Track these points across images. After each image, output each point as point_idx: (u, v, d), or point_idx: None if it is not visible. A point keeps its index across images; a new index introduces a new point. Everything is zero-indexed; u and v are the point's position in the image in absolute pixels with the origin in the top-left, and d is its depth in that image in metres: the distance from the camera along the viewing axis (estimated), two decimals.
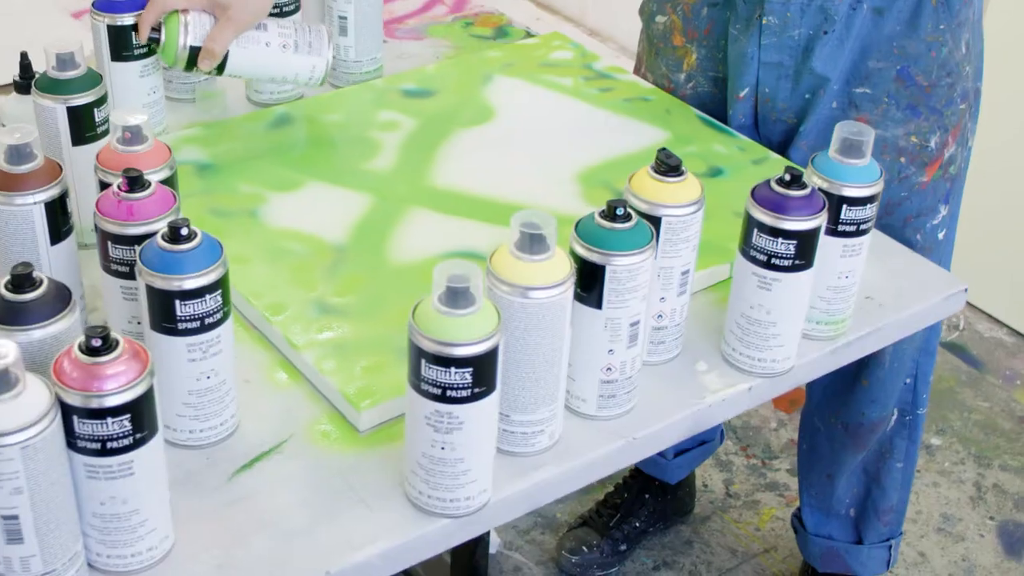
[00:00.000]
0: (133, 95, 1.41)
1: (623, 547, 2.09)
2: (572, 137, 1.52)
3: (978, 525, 2.24)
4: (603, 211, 1.05)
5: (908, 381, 1.75)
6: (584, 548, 2.07)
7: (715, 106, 1.60)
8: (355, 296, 1.22)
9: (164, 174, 1.12)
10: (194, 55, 1.39)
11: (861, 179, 1.18)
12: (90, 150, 1.24)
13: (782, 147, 1.56)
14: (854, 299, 1.25)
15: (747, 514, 2.22)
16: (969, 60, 1.51)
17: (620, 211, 1.05)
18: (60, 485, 0.87)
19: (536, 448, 1.08)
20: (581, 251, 1.04)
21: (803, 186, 1.12)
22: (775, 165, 1.49)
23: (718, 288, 1.30)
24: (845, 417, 1.78)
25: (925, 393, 1.80)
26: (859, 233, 1.20)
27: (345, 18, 1.58)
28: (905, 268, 1.37)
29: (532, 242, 0.99)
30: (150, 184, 1.05)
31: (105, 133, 1.26)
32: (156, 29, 1.39)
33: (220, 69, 1.41)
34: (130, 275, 1.05)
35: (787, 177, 1.12)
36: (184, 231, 0.98)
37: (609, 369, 1.10)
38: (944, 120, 1.51)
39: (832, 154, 1.19)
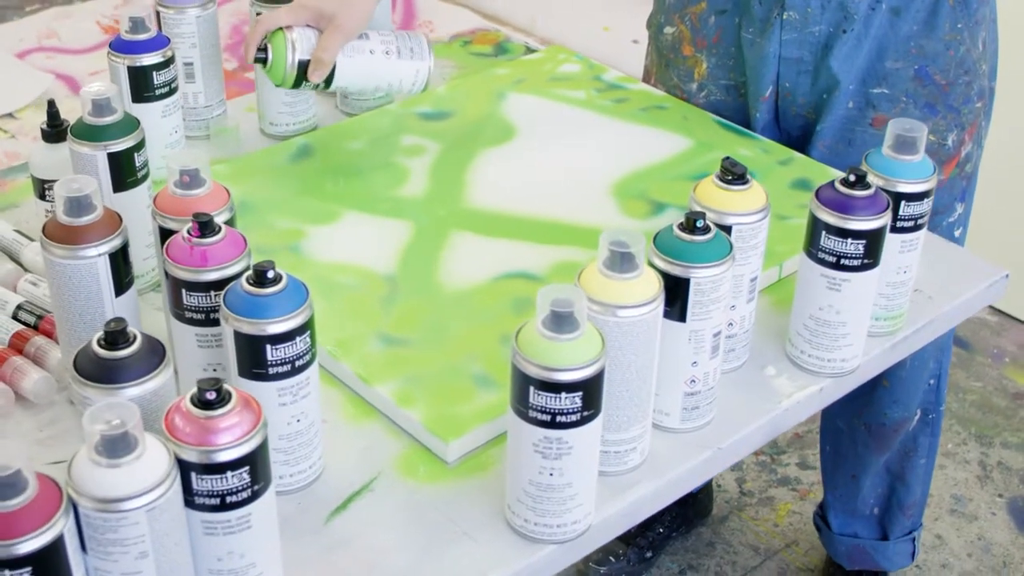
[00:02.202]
0: (156, 136, 1.39)
1: (648, 554, 2.08)
2: (597, 150, 1.52)
3: (988, 504, 2.27)
4: (682, 224, 1.05)
5: (932, 382, 1.77)
6: (611, 558, 2.06)
7: (729, 113, 1.60)
8: (417, 325, 1.20)
9: (226, 216, 1.09)
10: (302, 69, 1.39)
11: (917, 175, 1.18)
12: (131, 196, 1.22)
13: (801, 142, 1.57)
14: (910, 294, 1.25)
15: (763, 511, 2.23)
16: (985, 58, 1.53)
17: (700, 223, 1.04)
18: (181, 545, 0.85)
19: (629, 466, 1.07)
20: (663, 265, 1.04)
21: (867, 186, 1.12)
22: (801, 165, 1.50)
23: (769, 291, 1.30)
24: (867, 418, 1.79)
25: (945, 390, 1.81)
26: (916, 228, 1.20)
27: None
28: (945, 259, 1.38)
29: (622, 260, 0.98)
30: (221, 228, 1.02)
31: (146, 177, 1.23)
32: (262, 49, 1.40)
33: (328, 82, 1.42)
34: (206, 322, 1.03)
35: (852, 178, 1.12)
36: (271, 274, 0.96)
37: (693, 381, 1.09)
38: (961, 118, 1.52)
39: (886, 151, 1.19)
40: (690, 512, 2.15)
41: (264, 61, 1.41)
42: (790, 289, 1.27)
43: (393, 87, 1.47)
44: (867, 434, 1.80)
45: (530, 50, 1.82)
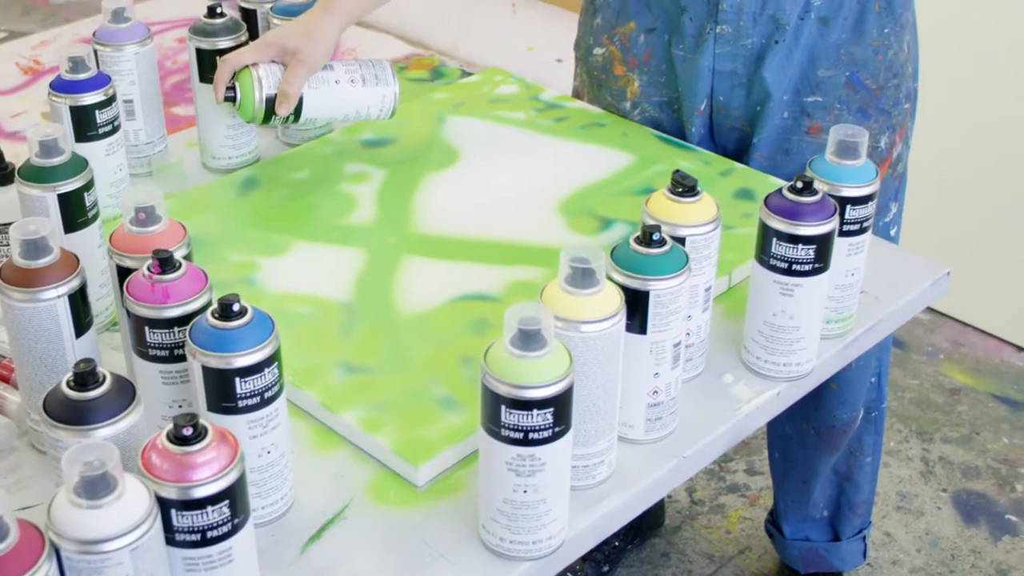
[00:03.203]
0: (100, 174, 1.38)
1: (605, 568, 2.10)
2: (541, 168, 1.53)
3: (933, 499, 2.31)
4: (638, 237, 1.06)
5: (873, 380, 1.80)
6: (569, 574, 2.07)
7: (664, 129, 1.62)
8: (378, 352, 1.21)
9: (184, 251, 1.09)
10: (271, 105, 1.43)
11: (860, 179, 1.21)
12: (83, 236, 1.21)
13: (737, 154, 1.60)
14: (858, 295, 1.28)
15: (715, 519, 2.25)
16: (910, 60, 1.57)
17: (656, 236, 1.06)
18: None
19: (598, 479, 1.08)
20: (622, 279, 1.05)
21: (815, 192, 1.15)
22: (742, 175, 1.52)
23: (720, 300, 1.32)
24: (816, 422, 1.82)
25: (886, 387, 1.85)
26: (862, 231, 1.23)
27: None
28: (887, 260, 1.41)
29: (583, 276, 1.00)
30: (181, 264, 1.02)
31: (96, 217, 1.23)
32: (230, 88, 1.44)
33: (297, 115, 1.45)
34: (171, 359, 1.02)
35: (799, 184, 1.14)
36: (236, 307, 0.96)
37: (655, 392, 1.11)
38: (892, 120, 1.56)
39: (829, 157, 1.22)
40: (643, 524, 2.16)
41: (233, 99, 1.45)
42: (740, 297, 1.30)
43: (361, 114, 1.50)
44: (817, 438, 1.83)
45: (466, 73, 1.83)
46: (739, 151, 1.59)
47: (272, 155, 1.58)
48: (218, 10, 1.50)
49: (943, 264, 1.41)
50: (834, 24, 1.49)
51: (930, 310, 2.81)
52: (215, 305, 0.97)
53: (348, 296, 1.29)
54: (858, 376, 1.75)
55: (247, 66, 1.45)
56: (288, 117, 1.45)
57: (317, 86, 1.46)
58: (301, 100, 1.45)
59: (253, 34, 1.57)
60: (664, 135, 1.61)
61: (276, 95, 1.44)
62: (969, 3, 2.52)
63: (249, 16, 1.60)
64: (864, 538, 1.99)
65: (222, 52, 1.48)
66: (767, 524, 2.06)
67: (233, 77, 1.44)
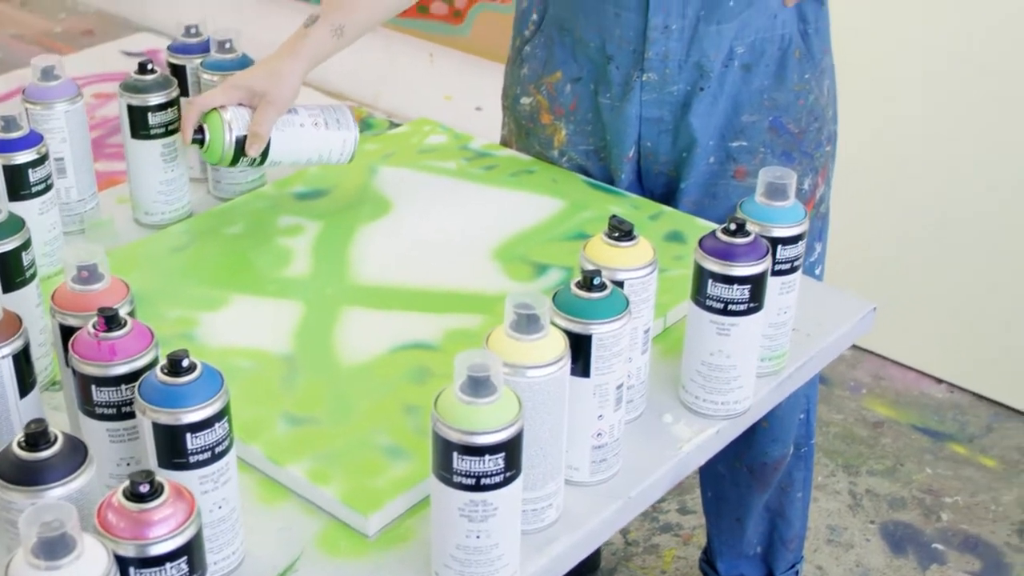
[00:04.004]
0: (35, 233, 1.36)
1: None
2: (474, 217, 1.55)
3: (862, 531, 2.35)
4: (579, 282, 1.09)
5: (802, 416, 1.84)
6: None
7: (591, 176, 1.65)
8: (321, 403, 1.21)
9: (127, 308, 1.09)
10: (240, 146, 1.45)
11: (790, 219, 1.25)
12: (21, 296, 1.20)
13: (665, 199, 1.63)
14: (790, 333, 1.31)
15: (650, 559, 2.27)
16: (830, 104, 1.62)
17: (596, 281, 1.08)
18: None
19: (547, 522, 1.09)
20: (565, 324, 1.07)
21: (747, 233, 1.18)
22: (671, 218, 1.55)
23: (657, 341, 1.35)
24: (749, 460, 1.85)
25: (815, 423, 1.89)
26: (793, 270, 1.26)
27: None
28: (815, 297, 1.45)
29: (528, 322, 1.01)
30: (127, 321, 1.03)
31: (34, 276, 1.22)
32: (198, 131, 1.45)
33: (263, 157, 1.47)
34: (118, 416, 1.02)
35: (732, 226, 1.17)
36: (185, 362, 0.96)
37: (600, 434, 1.12)
38: (814, 162, 1.61)
39: (759, 199, 1.25)
40: (580, 567, 2.17)
41: (201, 142, 1.46)
42: (676, 338, 1.33)
43: (323, 157, 1.53)
44: (749, 476, 1.86)
45: (394, 124, 1.85)
46: (667, 195, 1.63)
47: (205, 210, 1.58)
48: (149, 67, 1.50)
49: (869, 300, 1.45)
50: (756, 71, 1.53)
51: (851, 345, 2.87)
52: (164, 361, 0.97)
53: (288, 348, 1.29)
54: (788, 413, 1.79)
55: (215, 109, 1.46)
56: (254, 160, 1.47)
57: (283, 128, 1.49)
58: (268, 142, 1.47)
59: (184, 90, 1.58)
60: (594, 181, 1.64)
61: (245, 137, 1.45)
62: (885, 48, 2.59)
63: (179, 72, 1.60)
64: (797, 573, 2.02)
65: (154, 108, 1.49)
66: (701, 563, 2.08)
67: (201, 120, 1.46)
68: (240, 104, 1.47)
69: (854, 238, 2.72)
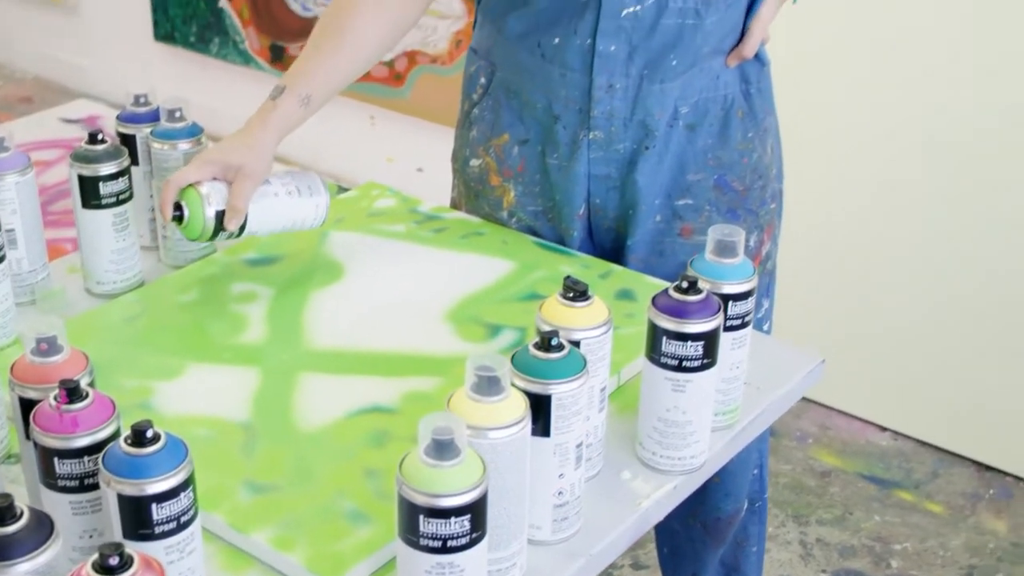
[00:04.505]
0: None
1: None
2: (426, 279, 1.57)
3: None
4: (537, 343, 1.10)
5: (755, 471, 1.86)
6: None
7: (540, 237, 1.67)
8: (281, 469, 1.21)
9: (87, 380, 1.09)
10: (219, 221, 1.46)
11: (739, 276, 1.27)
12: None
13: (615, 254, 1.65)
14: (742, 387, 1.33)
15: None
16: (774, 162, 1.65)
17: (555, 341, 1.10)
18: None
19: None
20: (525, 385, 1.08)
21: (699, 290, 1.20)
22: (621, 277, 1.58)
23: (611, 398, 1.36)
24: (703, 516, 1.86)
25: (767, 477, 1.91)
26: (743, 326, 1.29)
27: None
28: (765, 352, 1.47)
29: (489, 384, 1.03)
30: (88, 392, 1.03)
31: None
32: (176, 207, 1.46)
33: (241, 230, 1.49)
34: (81, 489, 1.02)
35: (684, 284, 1.20)
36: (150, 433, 0.97)
37: (560, 493, 1.14)
38: (760, 220, 1.64)
39: (709, 256, 1.28)
40: None
41: (180, 219, 1.47)
42: (630, 395, 1.35)
43: (297, 224, 1.55)
44: (703, 531, 1.87)
45: (342, 188, 1.86)
46: (616, 251, 1.65)
47: (156, 278, 1.58)
48: (99, 136, 1.51)
49: (816, 354, 1.47)
50: (701, 130, 1.57)
51: None
52: (128, 432, 0.97)
53: (247, 416, 1.29)
54: (740, 468, 1.81)
55: (191, 185, 1.48)
56: (232, 232, 1.49)
57: (258, 200, 1.51)
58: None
59: (134, 159, 1.58)
60: (543, 241, 1.66)
61: (223, 211, 1.47)
62: (828, 109, 2.65)
63: (128, 141, 1.61)
64: None
65: (105, 178, 1.49)
66: None
67: (178, 196, 1.48)
68: (215, 179, 1.49)
69: (794, 290, 2.76)
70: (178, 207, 1.47)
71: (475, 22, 1.69)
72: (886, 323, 2.75)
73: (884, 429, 2.81)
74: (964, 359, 2.68)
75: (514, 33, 1.58)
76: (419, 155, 3.72)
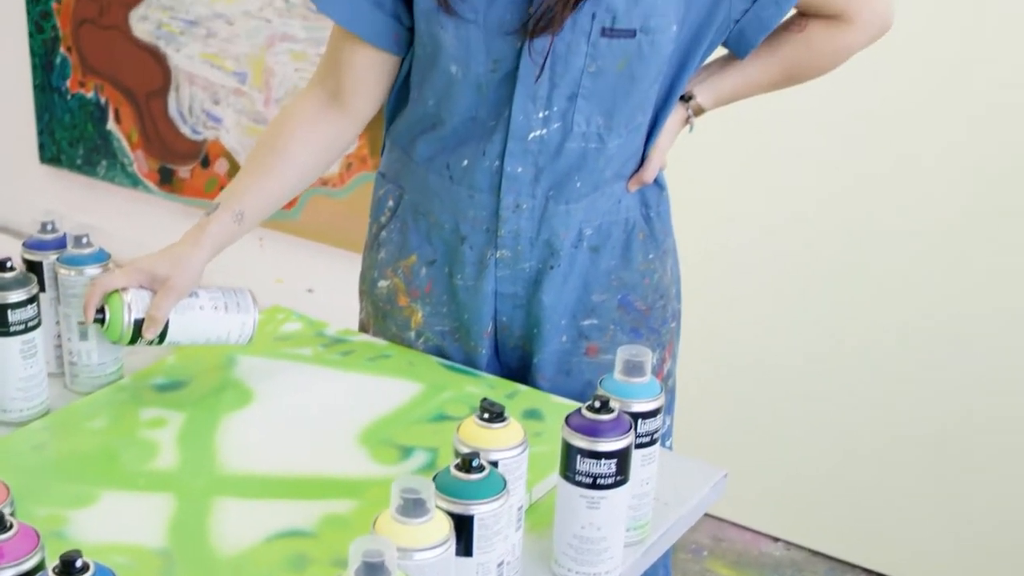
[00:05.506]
0: None
1: None
2: (336, 403, 1.59)
3: None
4: (458, 464, 1.13)
5: None
6: None
7: (447, 356, 1.71)
8: None
9: (9, 510, 1.09)
10: (138, 327, 1.50)
11: (647, 394, 1.32)
12: None
13: (521, 372, 1.69)
14: (652, 503, 1.37)
15: None
16: (673, 282, 1.72)
17: (475, 463, 1.13)
18: None
19: None
20: (447, 506, 1.11)
21: (611, 409, 1.24)
22: (527, 396, 1.61)
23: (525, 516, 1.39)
24: None
25: None
26: (652, 442, 1.33)
27: (85, 323, 1.58)
28: (670, 467, 1.52)
29: (414, 506, 1.05)
30: (13, 523, 1.03)
31: None
32: (100, 310, 1.51)
33: (162, 338, 1.53)
34: None
35: (597, 404, 1.24)
36: (79, 563, 0.97)
37: None
38: (661, 338, 1.70)
39: (618, 376, 1.32)
40: None
41: (102, 321, 1.52)
42: (542, 512, 1.38)
43: (222, 339, 1.58)
44: None
45: None
46: (522, 370, 1.69)
47: (63, 405, 1.58)
48: (8, 264, 1.51)
49: (719, 468, 1.52)
50: (604, 252, 1.63)
51: None
52: (56, 562, 0.97)
53: (164, 542, 1.29)
54: None
55: (116, 290, 1.52)
56: (152, 340, 1.53)
57: (183, 311, 1.55)
58: (167, 324, 1.53)
59: (42, 286, 1.59)
60: (449, 363, 1.69)
61: (144, 319, 1.51)
62: (726, 232, 2.75)
63: (35, 268, 1.61)
64: None
65: (13, 306, 1.49)
66: None
67: (103, 300, 1.52)
68: (141, 287, 1.54)
69: (684, 406, 2.83)
70: (102, 310, 1.52)
71: (383, 148, 1.74)
72: (775, 435, 2.82)
73: (776, 539, 2.87)
74: (854, 469, 2.76)
75: (423, 156, 1.64)
76: (309, 276, 3.74)
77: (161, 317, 1.52)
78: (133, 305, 1.52)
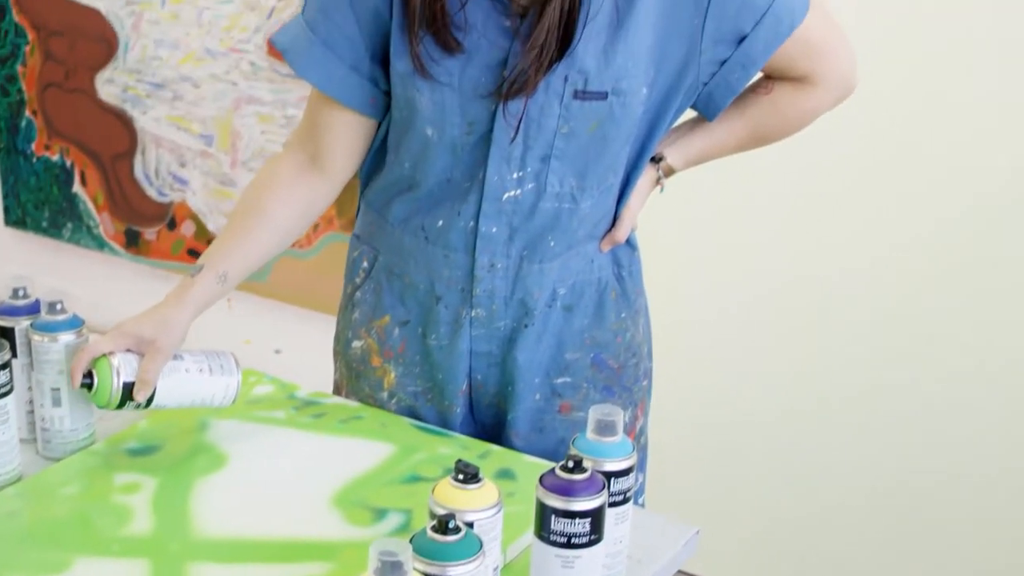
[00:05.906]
0: None
1: None
2: (310, 465, 1.59)
3: None
4: (435, 526, 1.14)
5: None
6: None
7: (420, 417, 1.72)
8: None
9: None
10: (127, 391, 1.51)
11: (620, 454, 1.33)
12: None
13: (495, 430, 1.71)
14: (625, 560, 1.38)
15: None
16: (645, 340, 1.74)
17: (451, 524, 1.14)
18: None
19: None
20: (424, 567, 1.12)
21: (584, 469, 1.26)
22: (499, 456, 1.63)
23: None
24: None
25: None
26: (625, 501, 1.35)
27: (58, 389, 1.58)
28: (642, 524, 1.53)
29: (392, 569, 1.06)
30: None
31: None
32: (87, 375, 1.52)
33: (148, 401, 1.53)
34: None
35: (571, 464, 1.25)
36: None
37: None
38: (633, 396, 1.72)
39: (590, 435, 1.34)
40: None
41: (89, 386, 1.53)
42: (517, 572, 1.39)
43: (206, 401, 1.59)
44: None
45: None
46: (496, 427, 1.71)
47: (35, 471, 1.58)
48: None
49: (691, 525, 1.54)
50: (577, 311, 1.65)
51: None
52: None
53: None
54: None
55: (104, 355, 1.53)
56: (139, 404, 1.54)
57: (169, 375, 1.56)
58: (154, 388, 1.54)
59: (13, 351, 1.59)
60: (421, 423, 1.70)
61: (133, 382, 1.52)
62: (697, 291, 2.78)
63: (6, 333, 1.62)
64: None
65: None
66: None
67: (90, 365, 1.53)
68: (128, 350, 1.54)
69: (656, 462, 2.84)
70: (89, 375, 1.53)
71: (358, 210, 1.76)
72: (747, 491, 2.84)
73: None
74: (828, 526, 2.78)
75: (398, 218, 1.66)
76: (277, 337, 3.74)
77: (152, 379, 1.53)
78: (121, 369, 1.53)
